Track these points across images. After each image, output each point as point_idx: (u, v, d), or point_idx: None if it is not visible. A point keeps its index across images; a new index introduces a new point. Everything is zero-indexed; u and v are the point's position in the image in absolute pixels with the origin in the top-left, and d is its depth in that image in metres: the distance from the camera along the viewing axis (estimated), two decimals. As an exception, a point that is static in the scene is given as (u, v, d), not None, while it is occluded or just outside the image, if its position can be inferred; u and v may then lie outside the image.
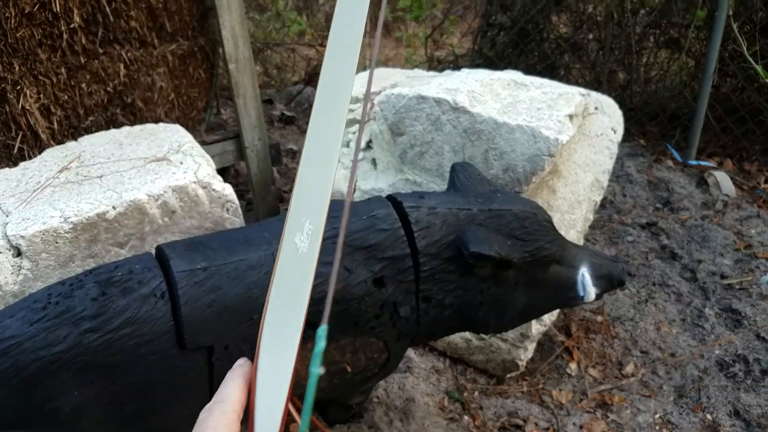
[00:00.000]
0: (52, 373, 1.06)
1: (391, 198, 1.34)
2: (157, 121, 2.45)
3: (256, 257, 1.17)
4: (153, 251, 1.23)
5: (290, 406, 1.20)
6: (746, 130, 3.19)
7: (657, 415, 1.94)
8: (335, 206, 1.33)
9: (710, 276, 2.47)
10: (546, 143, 1.55)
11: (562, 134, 1.58)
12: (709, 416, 1.90)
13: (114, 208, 1.36)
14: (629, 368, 2.13)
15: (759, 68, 2.16)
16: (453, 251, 1.27)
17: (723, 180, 2.96)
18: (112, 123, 2.31)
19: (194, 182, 1.42)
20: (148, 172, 1.49)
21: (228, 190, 1.48)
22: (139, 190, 1.40)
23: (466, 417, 1.94)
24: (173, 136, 1.68)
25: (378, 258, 1.23)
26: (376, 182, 1.96)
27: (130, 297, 1.09)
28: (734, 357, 2.08)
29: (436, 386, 2.03)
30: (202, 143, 2.48)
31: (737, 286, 2.39)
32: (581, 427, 1.92)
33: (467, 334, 2.01)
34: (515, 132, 1.58)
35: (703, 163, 3.18)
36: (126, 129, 1.79)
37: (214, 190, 1.45)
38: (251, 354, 1.21)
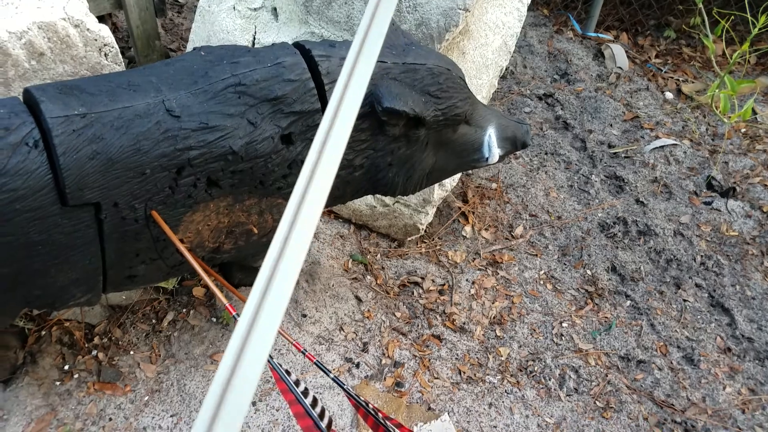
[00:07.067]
0: None
1: (298, 45, 1.22)
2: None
3: (143, 105, 1.04)
4: (20, 96, 1.06)
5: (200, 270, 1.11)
6: (642, 4, 3.26)
7: (542, 272, 2.10)
8: (237, 51, 1.19)
9: (599, 145, 2.61)
10: (462, -4, 1.47)
11: (479, -12, 1.49)
12: (588, 272, 2.09)
13: (-38, 46, 1.13)
14: (519, 230, 2.26)
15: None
16: (366, 108, 1.21)
17: (618, 53, 3.05)
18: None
19: (64, 19, 1.21)
20: (8, 5, 1.24)
21: (105, 32, 1.28)
22: (-7, 25, 1.18)
23: (368, 276, 1.99)
24: (31, -37, 1.40)
25: (285, 112, 1.14)
26: (278, 35, 1.80)
27: None
28: (615, 219, 2.27)
29: (340, 250, 2.05)
30: (69, -18, 2.12)
31: (623, 155, 2.56)
32: (473, 282, 2.04)
33: (372, 201, 2.01)
34: (431, -18, 1.48)
35: (601, 35, 3.24)
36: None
37: (88, 29, 1.24)
38: (145, 213, 1.10)
